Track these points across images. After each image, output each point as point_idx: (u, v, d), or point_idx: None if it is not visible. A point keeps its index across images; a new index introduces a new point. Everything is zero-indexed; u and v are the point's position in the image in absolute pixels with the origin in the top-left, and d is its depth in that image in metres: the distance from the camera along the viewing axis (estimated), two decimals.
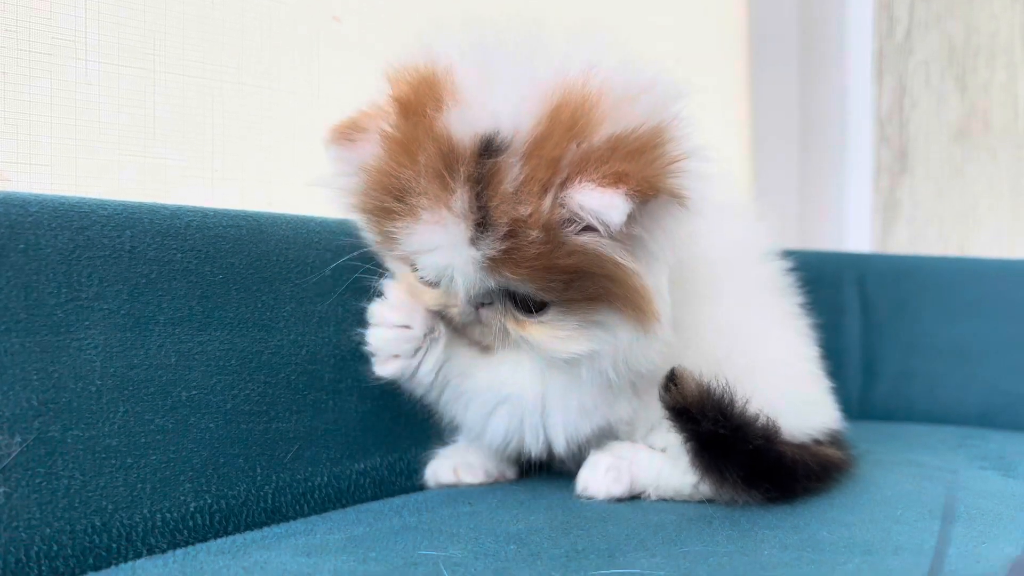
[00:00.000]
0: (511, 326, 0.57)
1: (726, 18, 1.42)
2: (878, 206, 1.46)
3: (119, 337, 0.53)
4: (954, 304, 1.09)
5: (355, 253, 0.62)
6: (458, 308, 0.58)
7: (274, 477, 0.60)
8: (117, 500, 0.52)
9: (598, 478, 0.63)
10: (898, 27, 1.43)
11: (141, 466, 0.53)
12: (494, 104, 0.51)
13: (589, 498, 0.63)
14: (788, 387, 0.65)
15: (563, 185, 0.50)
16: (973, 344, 1.07)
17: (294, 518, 0.60)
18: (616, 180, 0.49)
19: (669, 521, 0.57)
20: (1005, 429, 1.02)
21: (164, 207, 0.57)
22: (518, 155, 0.50)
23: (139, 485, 0.53)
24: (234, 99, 0.78)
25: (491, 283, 0.53)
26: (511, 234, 0.51)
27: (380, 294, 0.61)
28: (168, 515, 0.54)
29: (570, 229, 0.51)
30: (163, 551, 0.53)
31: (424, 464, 0.69)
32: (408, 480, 0.69)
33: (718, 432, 0.57)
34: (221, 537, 0.55)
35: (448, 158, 0.51)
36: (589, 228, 0.51)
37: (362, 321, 0.61)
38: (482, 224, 0.51)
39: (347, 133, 0.56)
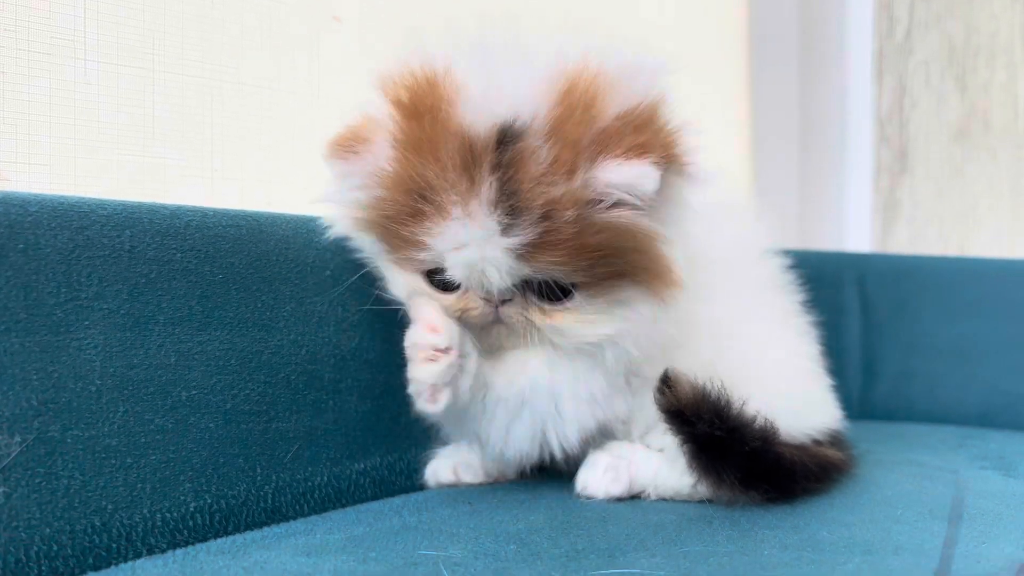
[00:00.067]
0: (537, 318, 0.57)
1: (726, 18, 1.42)
2: (878, 206, 1.46)
3: (119, 337, 0.53)
4: (954, 304, 1.09)
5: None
6: (478, 310, 0.57)
7: (274, 477, 0.60)
8: (117, 500, 0.52)
9: (597, 477, 0.63)
10: (898, 27, 1.43)
11: (141, 466, 0.53)
12: (506, 93, 0.52)
13: (588, 498, 0.63)
14: (786, 387, 0.65)
15: (589, 164, 0.52)
16: (973, 344, 1.07)
17: (294, 518, 0.60)
18: (640, 152, 0.51)
19: (669, 521, 0.57)
20: (1005, 429, 1.02)
21: (164, 207, 0.57)
22: (541, 138, 0.51)
23: (139, 485, 0.53)
24: (234, 99, 0.78)
25: (526, 271, 0.53)
26: (546, 216, 0.51)
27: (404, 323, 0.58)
28: (168, 515, 0.54)
29: (599, 207, 0.52)
30: (163, 551, 0.53)
31: (424, 464, 0.69)
32: (408, 480, 0.69)
33: (714, 434, 0.57)
34: (221, 537, 0.55)
35: (470, 150, 0.51)
36: (616, 204, 0.53)
37: (361, 323, 0.61)
38: (513, 211, 0.51)
39: (349, 145, 0.55)
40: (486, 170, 0.51)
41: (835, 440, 0.69)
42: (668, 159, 0.53)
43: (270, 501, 0.60)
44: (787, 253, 0.74)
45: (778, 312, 0.71)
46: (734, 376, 0.59)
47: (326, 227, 0.63)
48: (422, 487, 0.69)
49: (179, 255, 0.57)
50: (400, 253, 0.57)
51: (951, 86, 1.39)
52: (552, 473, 0.69)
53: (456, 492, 0.65)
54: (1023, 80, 1.33)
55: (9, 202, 0.50)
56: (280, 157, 0.81)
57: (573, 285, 0.55)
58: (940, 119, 1.40)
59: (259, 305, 0.61)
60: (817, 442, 0.66)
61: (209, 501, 0.56)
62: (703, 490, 0.61)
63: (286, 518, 0.60)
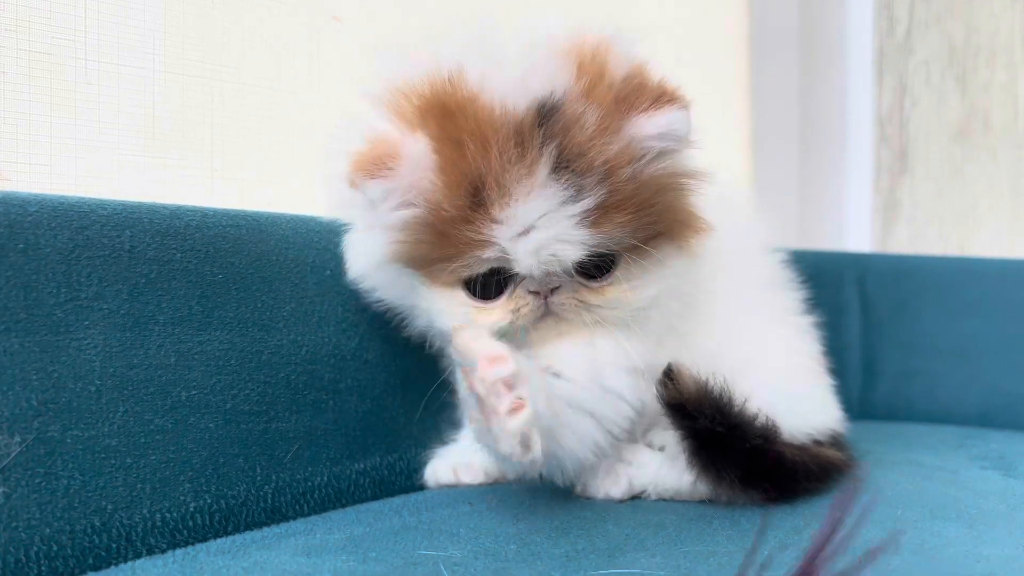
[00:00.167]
0: (589, 297, 0.57)
1: (726, 18, 1.42)
2: (878, 206, 1.46)
3: (119, 337, 0.53)
4: (954, 304, 1.09)
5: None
6: (528, 306, 0.56)
7: (274, 477, 0.60)
8: (117, 500, 0.52)
9: (597, 480, 0.63)
10: (898, 27, 1.43)
11: (141, 466, 0.53)
12: (530, 73, 0.53)
13: (588, 498, 0.63)
14: (788, 385, 0.65)
15: (625, 122, 0.53)
16: (973, 344, 1.07)
17: (294, 518, 0.60)
18: (662, 101, 0.54)
19: (669, 521, 0.57)
20: (1005, 429, 1.02)
21: (164, 207, 0.57)
22: (582, 103, 0.53)
23: (139, 485, 0.53)
24: (234, 99, 0.78)
25: (595, 239, 0.53)
26: (607, 175, 0.52)
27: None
28: (168, 515, 0.54)
29: (642, 164, 0.54)
30: (163, 551, 0.53)
31: (424, 464, 0.69)
32: (408, 480, 0.69)
33: (715, 430, 0.57)
34: (221, 537, 0.55)
35: (519, 129, 0.52)
36: (656, 158, 0.55)
37: (361, 323, 0.61)
38: (577, 174, 0.52)
39: (382, 163, 0.53)
40: (537, 146, 0.52)
41: (836, 441, 0.69)
42: (684, 103, 0.55)
43: (270, 501, 0.60)
44: (787, 253, 0.74)
45: (779, 309, 0.71)
46: (734, 372, 0.59)
47: (351, 274, 0.62)
48: (422, 487, 0.69)
49: (179, 255, 0.57)
50: (451, 263, 0.55)
51: (951, 86, 1.39)
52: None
53: (456, 492, 0.65)
54: (1023, 80, 1.33)
55: (9, 202, 0.50)
56: (280, 157, 0.81)
57: (614, 258, 0.56)
58: (940, 119, 1.40)
59: (259, 305, 0.61)
60: (818, 442, 0.66)
61: (209, 501, 0.56)
62: (703, 489, 0.61)
63: (286, 518, 0.60)
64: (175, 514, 0.54)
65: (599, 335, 0.59)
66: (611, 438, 0.61)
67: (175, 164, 0.74)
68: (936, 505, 0.61)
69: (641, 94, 0.54)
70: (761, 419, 0.59)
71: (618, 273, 0.57)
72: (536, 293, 0.57)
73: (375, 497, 0.66)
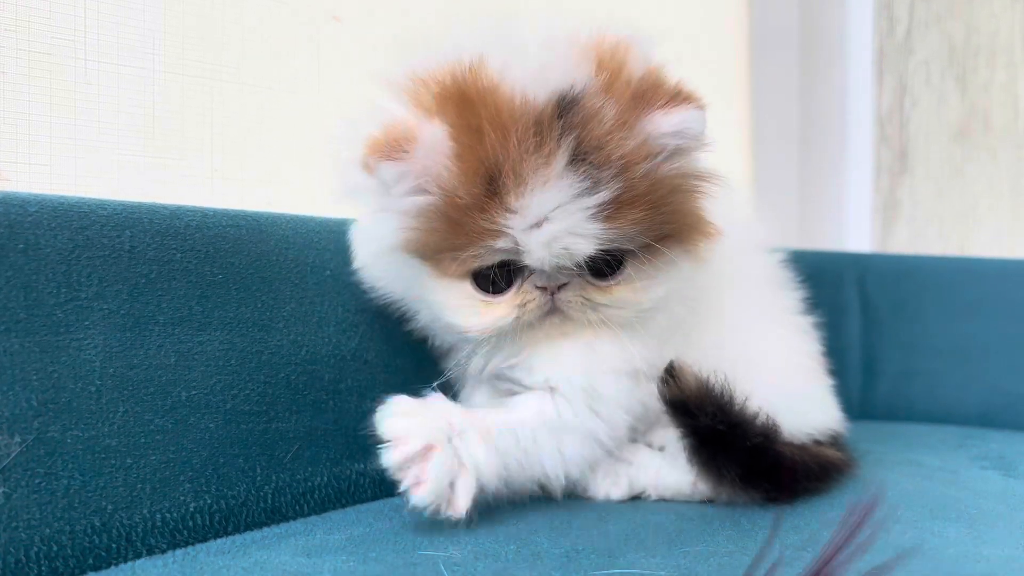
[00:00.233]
0: (596, 296, 0.57)
1: (726, 18, 1.42)
2: (878, 206, 1.46)
3: (119, 337, 0.53)
4: (954, 304, 1.09)
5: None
6: (535, 301, 0.57)
7: (274, 477, 0.60)
8: (117, 500, 0.52)
9: (597, 481, 0.63)
10: (898, 27, 1.43)
11: (141, 466, 0.53)
12: (551, 66, 0.53)
13: (588, 498, 0.63)
14: (786, 385, 0.65)
15: (641, 119, 0.54)
16: (973, 344, 1.07)
17: (294, 518, 0.60)
18: (678, 101, 0.55)
19: (669, 521, 0.57)
20: (1005, 429, 1.02)
21: (164, 207, 0.57)
22: (601, 97, 0.53)
23: (139, 485, 0.53)
24: (234, 99, 0.78)
25: (609, 234, 0.53)
26: (623, 169, 0.52)
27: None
28: (168, 515, 0.54)
29: (657, 161, 0.54)
30: (163, 551, 0.53)
31: None
32: None
33: (716, 428, 0.57)
34: (221, 537, 0.55)
35: (538, 119, 0.52)
36: (670, 157, 0.55)
37: (361, 323, 0.61)
38: (593, 167, 0.52)
39: (397, 146, 0.53)
40: (559, 133, 0.52)
41: (835, 441, 0.69)
42: (700, 103, 0.56)
43: (270, 501, 0.60)
44: (787, 253, 0.74)
45: (777, 309, 0.71)
46: (733, 371, 0.59)
47: (358, 262, 0.63)
48: None
49: (179, 255, 0.57)
50: (461, 252, 0.54)
51: (951, 86, 1.39)
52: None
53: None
54: (1023, 80, 1.33)
55: (9, 202, 0.50)
56: (280, 157, 0.81)
57: (623, 257, 0.56)
58: (940, 119, 1.40)
59: (259, 305, 0.61)
60: (818, 442, 0.66)
61: (209, 501, 0.56)
62: (703, 488, 0.61)
63: (286, 518, 0.60)
64: (175, 514, 0.54)
65: (602, 337, 0.59)
66: (604, 451, 0.61)
67: (175, 164, 0.74)
68: (936, 505, 0.61)
69: (658, 92, 0.55)
70: (762, 418, 0.59)
71: (627, 273, 0.57)
72: (543, 289, 0.57)
73: (375, 497, 0.66)
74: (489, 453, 0.55)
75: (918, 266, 1.14)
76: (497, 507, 0.60)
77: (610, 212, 0.52)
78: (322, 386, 0.64)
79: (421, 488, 0.52)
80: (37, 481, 0.48)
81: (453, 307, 0.58)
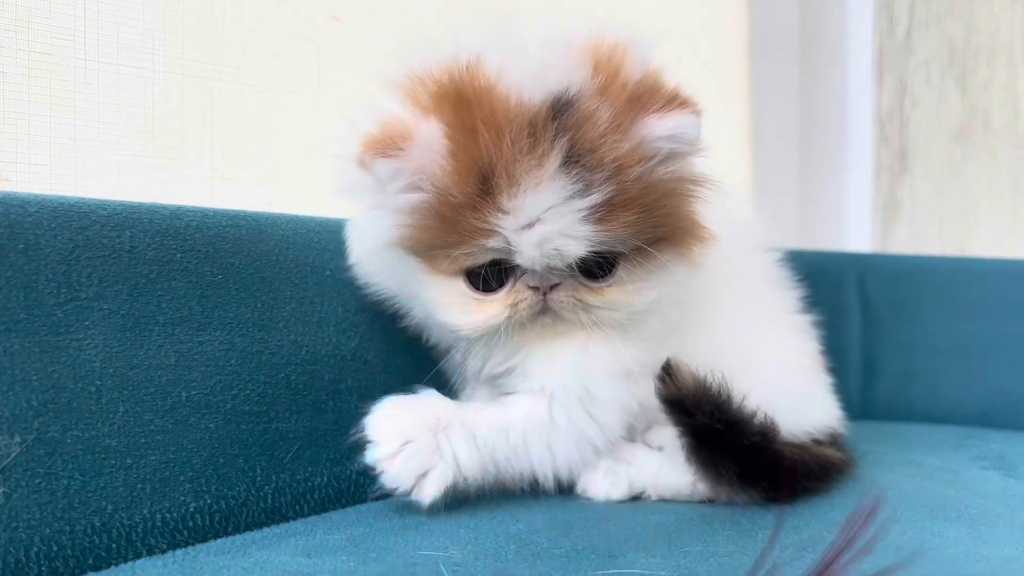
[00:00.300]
0: (588, 297, 0.57)
1: (726, 18, 1.42)
2: (878, 206, 1.46)
3: (119, 337, 0.53)
4: (954, 304, 1.09)
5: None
6: (527, 301, 0.57)
7: (274, 477, 0.60)
8: (117, 500, 0.52)
9: (597, 481, 0.63)
10: (898, 27, 1.43)
11: (141, 466, 0.53)
12: (548, 67, 0.54)
13: (589, 498, 0.63)
14: (784, 384, 0.65)
15: (636, 122, 0.54)
16: (973, 344, 1.07)
17: (294, 518, 0.60)
18: (674, 105, 0.55)
19: (669, 521, 0.57)
20: (1005, 429, 1.02)
21: (164, 207, 0.57)
22: (596, 100, 0.53)
23: (139, 485, 0.53)
24: (234, 99, 0.78)
25: (600, 236, 0.53)
26: (616, 172, 0.52)
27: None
28: (168, 515, 0.54)
29: (651, 164, 0.54)
30: (163, 551, 0.53)
31: None
32: None
33: (713, 426, 0.57)
34: (221, 537, 0.55)
35: (533, 120, 0.52)
36: (664, 161, 0.55)
37: (361, 324, 0.61)
38: (586, 170, 0.52)
39: (393, 143, 0.53)
40: (550, 139, 0.52)
41: (835, 440, 0.69)
42: (697, 108, 0.56)
43: (270, 501, 0.60)
44: (787, 253, 0.74)
45: (775, 308, 0.71)
46: (730, 369, 0.59)
47: (352, 258, 0.63)
48: None
49: (179, 255, 0.57)
50: (454, 250, 0.55)
51: (951, 86, 1.39)
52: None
53: (456, 493, 0.65)
54: (1023, 80, 1.33)
55: (9, 202, 0.50)
56: (280, 157, 0.81)
57: (616, 259, 0.57)
58: (940, 119, 1.40)
59: (259, 305, 0.61)
60: (817, 441, 0.66)
61: (209, 501, 0.56)
62: (703, 489, 0.61)
63: (286, 518, 0.60)
64: (175, 514, 0.54)
65: (595, 339, 0.59)
66: (596, 452, 0.62)
67: (175, 164, 0.74)
68: (936, 505, 0.61)
69: (654, 96, 0.55)
70: (760, 416, 0.59)
71: (619, 275, 0.57)
72: (536, 289, 0.57)
73: (375, 497, 0.66)
74: (471, 448, 0.57)
75: (918, 266, 1.14)
76: (497, 507, 0.60)
77: (602, 214, 0.53)
78: (322, 386, 0.64)
79: (390, 470, 0.55)
80: (37, 481, 0.48)
81: (446, 304, 0.58)
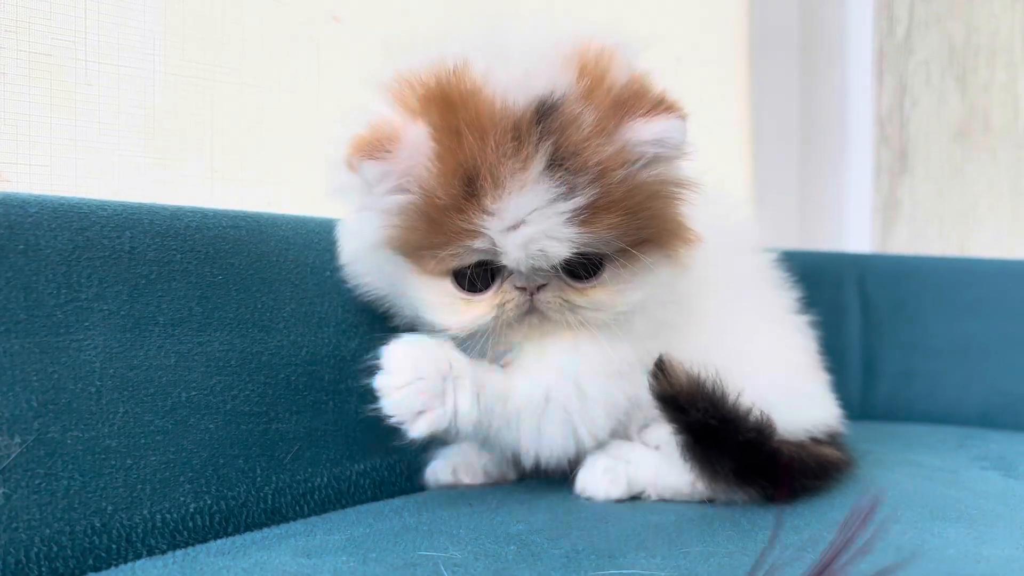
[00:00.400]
0: (574, 298, 0.58)
1: (726, 18, 1.42)
2: (878, 206, 1.46)
3: (119, 338, 0.53)
4: (954, 304, 1.09)
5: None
6: (514, 301, 0.57)
7: (274, 478, 0.60)
8: (117, 501, 0.52)
9: (596, 479, 0.63)
10: (898, 27, 1.43)
11: (141, 467, 0.53)
12: (533, 72, 0.54)
13: (588, 498, 0.63)
14: (781, 382, 0.65)
15: (621, 126, 0.54)
16: (973, 344, 1.07)
17: (294, 519, 0.60)
18: (660, 109, 0.55)
19: (669, 521, 0.57)
20: (1005, 429, 1.02)
21: (164, 208, 0.57)
22: (580, 105, 0.54)
23: (139, 486, 0.53)
24: (234, 99, 0.78)
25: (584, 238, 0.54)
26: (600, 175, 0.53)
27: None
28: (168, 516, 0.54)
29: (635, 167, 0.55)
30: (163, 552, 0.53)
31: (424, 465, 0.69)
32: (408, 481, 0.69)
33: (708, 423, 0.57)
34: (221, 538, 0.55)
35: (517, 123, 0.53)
36: (649, 164, 0.55)
37: (361, 324, 0.61)
38: (570, 173, 0.52)
39: (380, 146, 0.54)
40: (534, 142, 0.53)
41: (834, 439, 0.69)
42: (682, 113, 0.56)
43: (270, 502, 0.60)
44: (786, 253, 0.74)
45: (771, 308, 0.71)
46: (725, 367, 0.59)
47: (343, 258, 0.64)
48: (422, 488, 0.69)
49: (179, 256, 0.57)
50: (441, 251, 0.55)
51: (951, 86, 1.39)
52: (552, 474, 0.69)
53: (456, 493, 0.65)
54: (1023, 80, 1.33)
55: (9, 203, 0.50)
56: (280, 157, 0.81)
57: (601, 260, 0.57)
58: (940, 119, 1.40)
59: (259, 306, 0.61)
60: (816, 440, 0.66)
61: (209, 502, 0.56)
62: (702, 489, 0.61)
63: (286, 519, 0.60)
64: (175, 515, 0.54)
65: (582, 338, 0.59)
66: (583, 448, 0.62)
67: (175, 165, 0.74)
68: (936, 505, 0.61)
69: (640, 100, 0.55)
70: (755, 413, 0.59)
71: (605, 276, 0.58)
72: (523, 289, 0.57)
73: (375, 498, 0.66)
74: (472, 404, 0.57)
75: (918, 266, 1.14)
76: (497, 508, 0.60)
77: (586, 217, 0.53)
78: (322, 387, 0.64)
79: (393, 398, 0.56)
80: (37, 482, 0.48)
81: (434, 304, 0.59)
